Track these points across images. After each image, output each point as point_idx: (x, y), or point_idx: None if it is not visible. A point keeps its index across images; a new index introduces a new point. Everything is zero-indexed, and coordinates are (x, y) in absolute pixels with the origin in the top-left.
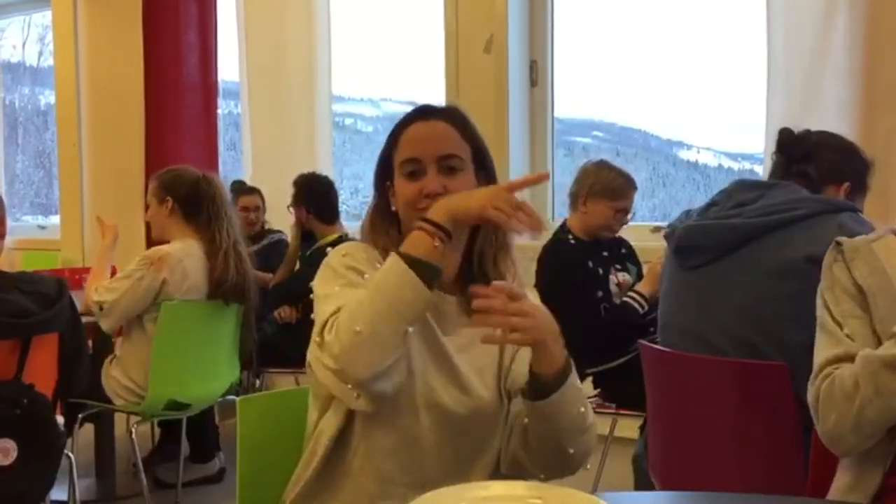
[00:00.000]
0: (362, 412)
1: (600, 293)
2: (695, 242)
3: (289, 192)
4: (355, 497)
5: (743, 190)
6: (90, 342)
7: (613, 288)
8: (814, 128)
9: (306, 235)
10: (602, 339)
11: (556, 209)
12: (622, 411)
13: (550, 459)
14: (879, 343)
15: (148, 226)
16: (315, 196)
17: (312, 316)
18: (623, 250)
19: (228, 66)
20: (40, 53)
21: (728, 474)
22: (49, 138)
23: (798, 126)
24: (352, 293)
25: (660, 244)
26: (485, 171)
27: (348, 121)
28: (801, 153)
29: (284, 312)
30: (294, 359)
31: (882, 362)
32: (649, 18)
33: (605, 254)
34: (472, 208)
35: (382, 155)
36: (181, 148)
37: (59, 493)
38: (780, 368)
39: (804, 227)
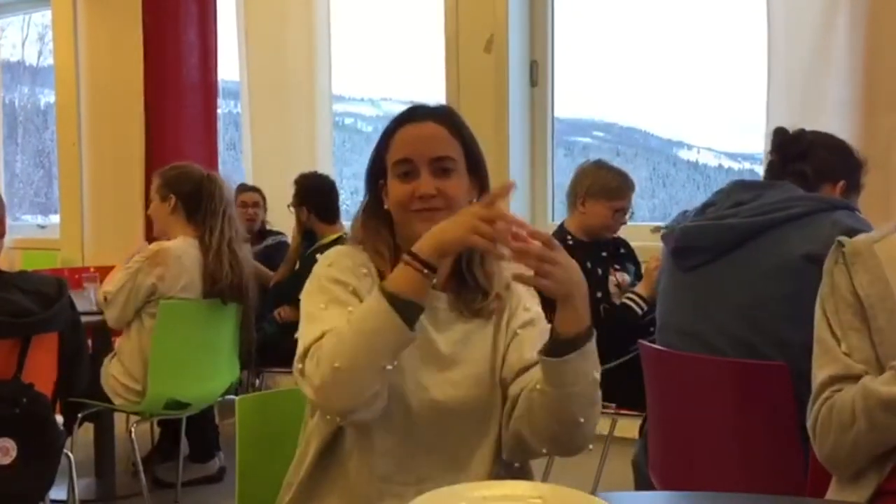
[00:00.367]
0: None
1: (599, 294)
2: (692, 243)
3: (289, 191)
4: (351, 498)
5: (740, 190)
6: (90, 342)
7: (612, 288)
8: (814, 128)
9: (307, 234)
10: (601, 339)
11: (555, 210)
12: (622, 411)
13: (559, 430)
14: (877, 356)
15: (147, 224)
16: (316, 196)
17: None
18: (622, 250)
19: (228, 66)
20: (40, 53)
21: (728, 474)
22: (49, 138)
23: (798, 126)
24: (335, 316)
25: (659, 244)
26: (477, 172)
27: (348, 120)
28: (796, 152)
29: (284, 312)
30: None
31: (879, 400)
32: (649, 18)
33: (604, 254)
34: (455, 239)
35: (374, 154)
36: (181, 147)
37: (58, 492)
38: (779, 368)
39: (800, 226)
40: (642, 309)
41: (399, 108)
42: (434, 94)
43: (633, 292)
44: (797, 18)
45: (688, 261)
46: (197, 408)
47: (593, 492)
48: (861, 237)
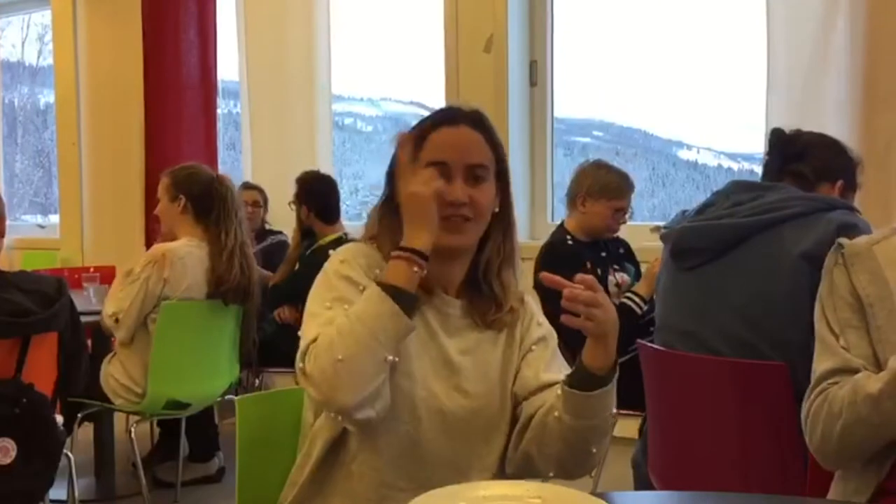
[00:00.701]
0: None
1: None
2: (690, 244)
3: (289, 191)
4: (354, 501)
5: (739, 191)
6: (89, 342)
7: (612, 288)
8: (814, 128)
9: (306, 233)
10: None
11: (554, 209)
12: (621, 411)
13: (570, 458)
14: (875, 354)
15: (147, 225)
16: (316, 195)
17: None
18: (621, 250)
19: (228, 66)
20: (40, 52)
21: (728, 474)
22: (48, 137)
23: (797, 126)
24: (337, 316)
25: (659, 244)
26: (502, 179)
27: (348, 120)
28: (793, 153)
29: (284, 313)
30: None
31: (866, 394)
32: (649, 18)
33: (604, 254)
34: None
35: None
36: (181, 147)
37: (58, 492)
38: (779, 368)
39: (798, 225)
40: (641, 308)
41: (399, 108)
42: (434, 93)
43: (633, 292)
44: (797, 18)
45: (686, 261)
46: (197, 408)
47: (593, 492)
48: (860, 239)
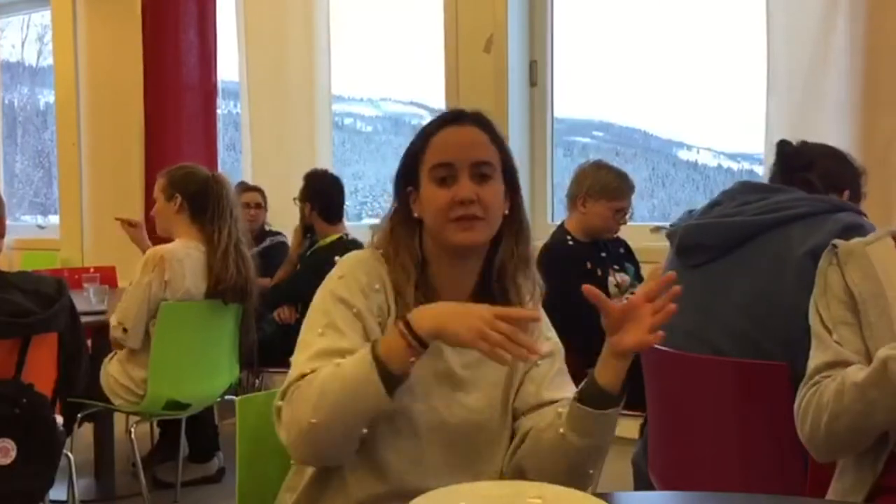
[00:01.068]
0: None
1: None
2: (696, 241)
3: (288, 191)
4: None
5: (747, 192)
6: (89, 342)
7: (612, 289)
8: (813, 128)
9: (307, 230)
10: (600, 341)
11: (554, 210)
12: (622, 411)
13: (567, 478)
14: (867, 350)
15: (147, 225)
16: (322, 194)
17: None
18: (621, 250)
19: (228, 66)
20: (39, 53)
21: (728, 474)
22: (48, 138)
23: (797, 126)
24: (328, 348)
25: (659, 244)
26: (510, 181)
27: (348, 121)
28: (799, 164)
29: (284, 314)
30: None
31: (853, 383)
32: (649, 19)
33: (603, 254)
34: (461, 335)
35: (408, 157)
36: (181, 148)
37: (58, 492)
38: (780, 368)
39: (804, 225)
40: None
41: (399, 108)
42: (434, 94)
43: (634, 293)
44: (797, 19)
45: (692, 258)
46: (197, 408)
47: (593, 492)
48: (854, 240)
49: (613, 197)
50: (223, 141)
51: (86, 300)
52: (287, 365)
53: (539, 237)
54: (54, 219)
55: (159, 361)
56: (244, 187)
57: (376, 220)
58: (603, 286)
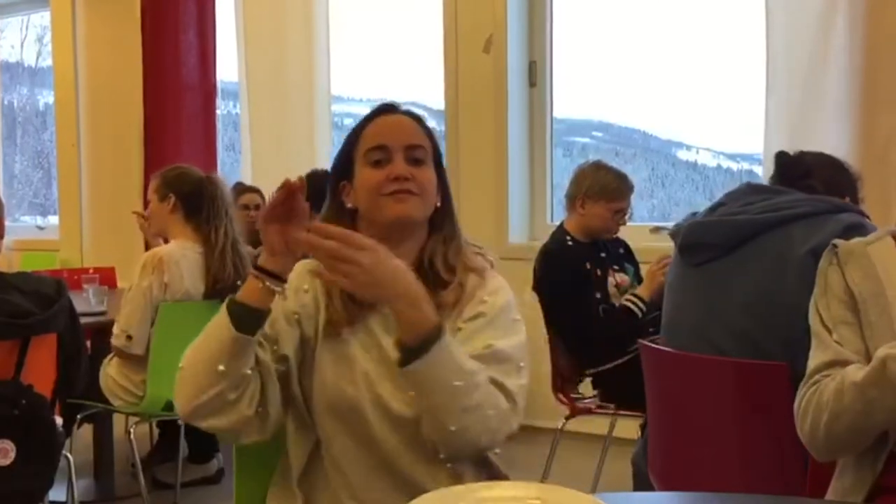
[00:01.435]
0: (321, 425)
1: (598, 295)
2: (699, 239)
3: None
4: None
5: (751, 193)
6: (89, 343)
7: (612, 289)
8: (813, 128)
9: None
10: (600, 340)
11: (554, 210)
12: (621, 411)
13: (438, 438)
14: (867, 349)
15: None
16: (321, 194)
17: None
18: (621, 250)
19: (228, 67)
20: (39, 54)
21: (728, 474)
22: (48, 138)
23: (797, 125)
24: None
25: (658, 244)
26: (440, 175)
27: (347, 121)
28: (798, 174)
29: None
30: None
31: (852, 382)
32: (649, 18)
33: (603, 255)
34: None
35: (341, 153)
36: (180, 149)
37: (57, 493)
38: (780, 368)
39: (807, 224)
40: (642, 311)
41: None
42: (433, 94)
43: (634, 294)
44: (796, 18)
45: (695, 257)
46: None
47: (593, 492)
48: (855, 240)
49: (613, 197)
50: (223, 141)
51: (85, 301)
52: None
53: (538, 237)
54: (54, 219)
55: (158, 362)
56: (243, 189)
57: None
58: (602, 287)
